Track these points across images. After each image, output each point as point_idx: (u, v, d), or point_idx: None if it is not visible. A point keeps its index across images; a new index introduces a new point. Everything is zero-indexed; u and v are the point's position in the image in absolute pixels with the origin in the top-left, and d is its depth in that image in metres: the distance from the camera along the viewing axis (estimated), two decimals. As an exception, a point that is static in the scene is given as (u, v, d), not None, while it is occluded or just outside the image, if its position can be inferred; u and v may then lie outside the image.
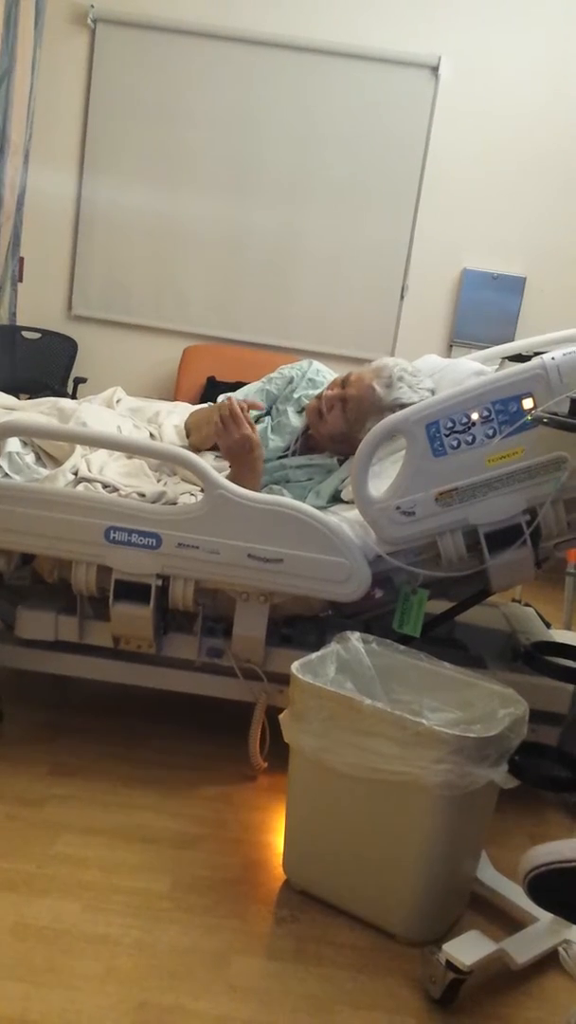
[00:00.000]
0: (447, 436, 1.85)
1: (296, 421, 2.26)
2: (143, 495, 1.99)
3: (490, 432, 1.84)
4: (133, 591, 1.94)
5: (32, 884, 1.61)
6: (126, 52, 4.19)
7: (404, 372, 2.14)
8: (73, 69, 4.22)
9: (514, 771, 1.57)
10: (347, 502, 2.07)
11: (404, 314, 4.35)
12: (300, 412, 2.27)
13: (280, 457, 2.23)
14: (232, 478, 1.98)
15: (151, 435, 2.34)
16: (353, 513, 1.96)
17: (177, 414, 2.43)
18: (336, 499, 2.12)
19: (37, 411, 2.24)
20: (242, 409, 2.00)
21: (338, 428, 2.14)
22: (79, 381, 4.26)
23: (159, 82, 4.20)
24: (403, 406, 2.05)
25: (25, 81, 3.92)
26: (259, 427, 2.28)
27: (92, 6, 4.13)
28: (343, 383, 2.16)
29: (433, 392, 2.14)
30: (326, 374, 2.36)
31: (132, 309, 4.40)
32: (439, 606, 2.10)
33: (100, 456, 2.12)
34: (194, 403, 2.71)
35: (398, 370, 2.13)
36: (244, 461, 2.02)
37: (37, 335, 4.27)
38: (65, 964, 1.44)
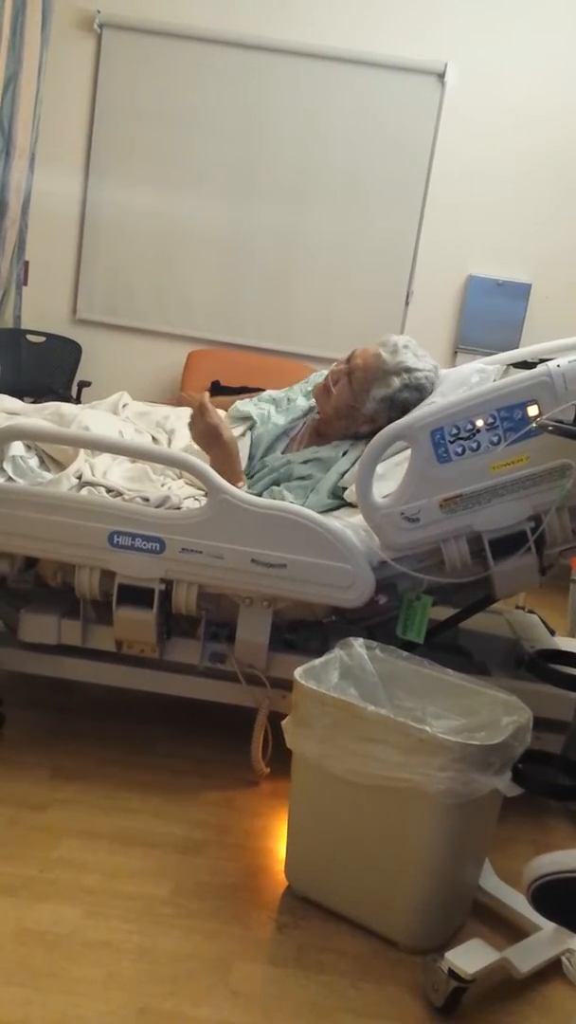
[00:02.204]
0: (452, 443, 1.85)
1: (302, 403, 2.31)
2: (147, 499, 1.99)
3: (495, 439, 1.84)
4: (136, 595, 1.94)
5: (33, 889, 1.60)
6: (132, 57, 4.20)
7: (409, 342, 2.20)
8: (79, 73, 4.23)
9: (518, 779, 1.57)
10: (350, 504, 2.06)
11: (409, 320, 4.34)
12: (307, 397, 2.32)
13: (284, 451, 2.26)
14: (211, 465, 1.99)
15: (153, 439, 2.34)
16: (357, 518, 1.96)
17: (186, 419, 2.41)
18: (336, 495, 2.11)
19: (40, 416, 2.25)
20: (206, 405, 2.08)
21: (344, 400, 2.17)
22: (83, 385, 4.26)
23: (165, 87, 4.21)
24: (407, 370, 2.14)
25: (31, 85, 3.93)
26: (265, 405, 2.34)
27: (98, 11, 4.14)
28: (348, 359, 2.21)
29: (436, 369, 2.18)
30: None
31: (137, 313, 4.40)
32: (443, 613, 2.10)
33: (104, 460, 2.12)
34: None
35: (403, 340, 2.19)
36: (215, 446, 2.06)
37: (42, 339, 4.28)
38: (66, 969, 1.43)
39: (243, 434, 2.26)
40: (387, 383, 2.14)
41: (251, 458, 2.23)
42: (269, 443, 2.27)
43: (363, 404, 2.15)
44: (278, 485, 2.15)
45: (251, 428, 2.30)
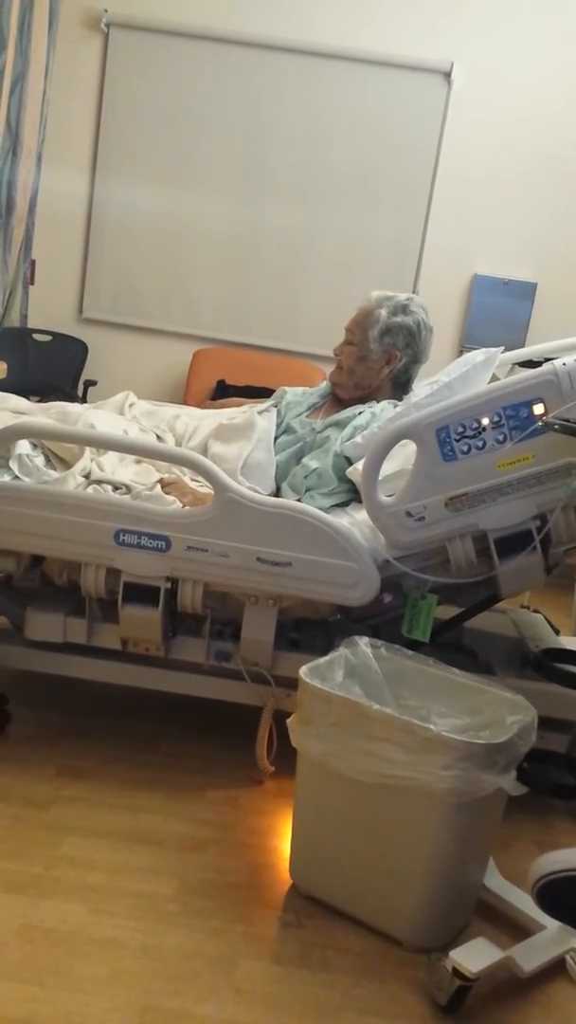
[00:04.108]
0: (457, 441, 1.85)
1: (323, 385, 2.43)
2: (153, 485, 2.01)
3: (500, 437, 1.84)
4: (142, 594, 1.95)
5: (38, 886, 1.61)
6: (139, 56, 4.20)
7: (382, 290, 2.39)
8: (86, 73, 4.24)
9: (522, 778, 1.56)
10: (357, 500, 2.06)
11: (414, 319, 4.34)
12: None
13: (308, 415, 2.37)
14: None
15: (158, 437, 2.35)
16: (362, 515, 1.96)
17: (209, 421, 2.42)
18: (339, 466, 2.14)
19: (45, 416, 2.25)
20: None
21: (354, 357, 2.32)
22: (89, 384, 4.27)
23: (172, 86, 4.21)
24: (386, 298, 2.31)
25: (38, 85, 3.94)
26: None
27: (105, 11, 4.15)
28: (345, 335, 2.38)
29: (411, 298, 2.33)
30: None
31: (143, 312, 4.41)
32: (448, 612, 2.10)
33: (110, 460, 2.13)
34: (203, 407, 2.74)
35: (376, 291, 2.38)
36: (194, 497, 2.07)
37: (48, 337, 4.28)
38: (71, 967, 1.44)
39: (267, 409, 2.35)
40: (376, 318, 2.29)
41: (278, 425, 2.33)
42: (298, 412, 2.37)
43: (369, 351, 2.29)
44: (302, 456, 2.22)
45: (276, 404, 2.40)
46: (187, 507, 2.00)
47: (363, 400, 2.32)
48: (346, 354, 2.33)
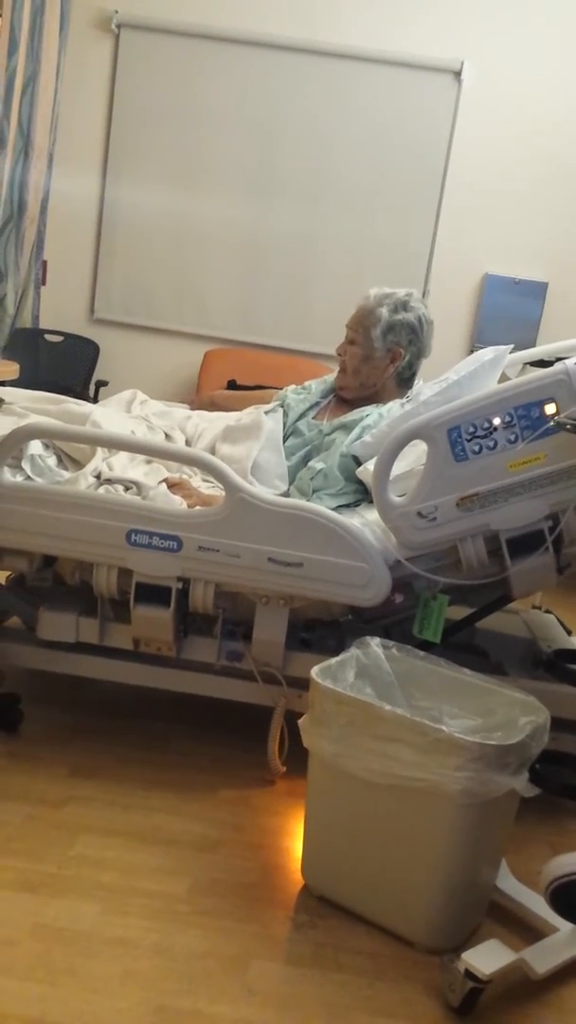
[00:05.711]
0: (469, 441, 1.84)
1: (327, 381, 2.43)
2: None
3: (512, 437, 1.83)
4: (154, 594, 1.95)
5: (51, 885, 1.61)
6: (149, 57, 4.21)
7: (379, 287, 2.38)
8: (97, 74, 4.25)
9: (535, 780, 1.56)
10: (368, 500, 2.06)
11: (425, 318, 4.33)
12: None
13: (315, 415, 2.37)
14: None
15: (166, 436, 2.35)
16: (374, 516, 1.96)
17: (217, 423, 2.43)
18: (345, 467, 2.13)
19: (38, 407, 2.25)
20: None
21: (358, 358, 2.31)
22: (101, 384, 4.28)
23: (182, 87, 4.22)
24: (386, 296, 2.31)
25: (49, 86, 3.96)
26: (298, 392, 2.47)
27: (116, 12, 4.16)
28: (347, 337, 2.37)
29: (411, 293, 2.33)
30: None
31: (154, 312, 4.42)
32: (459, 612, 2.09)
33: (121, 460, 2.13)
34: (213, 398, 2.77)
35: (374, 288, 2.38)
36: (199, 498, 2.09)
37: (59, 338, 4.30)
38: (83, 966, 1.44)
39: (272, 409, 2.35)
40: (377, 316, 2.28)
41: (285, 426, 2.33)
42: (301, 411, 2.37)
43: (373, 350, 2.28)
44: (310, 458, 2.21)
45: (282, 404, 2.40)
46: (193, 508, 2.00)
47: (368, 400, 2.31)
48: (350, 355, 2.32)
